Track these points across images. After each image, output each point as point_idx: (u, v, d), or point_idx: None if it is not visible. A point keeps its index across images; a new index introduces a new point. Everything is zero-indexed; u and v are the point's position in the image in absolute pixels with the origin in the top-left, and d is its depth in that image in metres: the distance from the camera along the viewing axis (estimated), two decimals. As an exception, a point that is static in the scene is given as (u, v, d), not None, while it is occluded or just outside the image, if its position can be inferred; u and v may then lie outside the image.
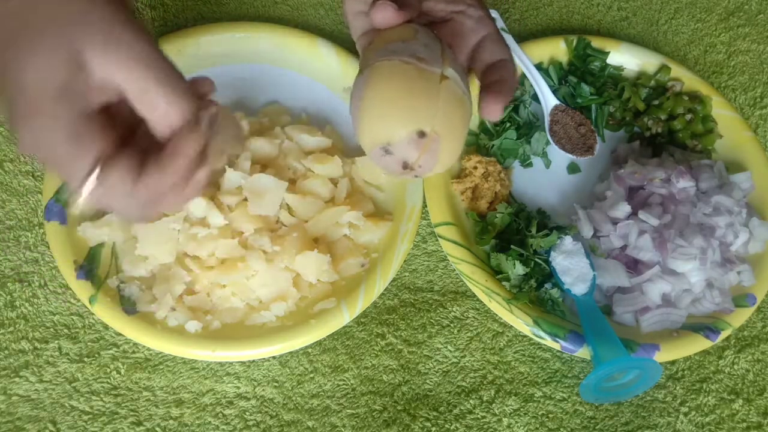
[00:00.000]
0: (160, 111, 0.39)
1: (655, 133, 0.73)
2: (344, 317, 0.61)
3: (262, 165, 0.66)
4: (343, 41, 0.78)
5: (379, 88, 0.43)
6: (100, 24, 0.37)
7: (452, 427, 0.61)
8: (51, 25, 0.37)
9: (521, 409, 0.62)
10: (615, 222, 0.66)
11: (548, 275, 0.64)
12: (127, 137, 0.40)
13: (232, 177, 0.63)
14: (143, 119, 0.40)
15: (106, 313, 0.59)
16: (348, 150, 0.71)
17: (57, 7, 0.37)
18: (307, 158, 0.67)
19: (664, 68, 0.76)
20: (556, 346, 0.61)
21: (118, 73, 0.37)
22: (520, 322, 0.62)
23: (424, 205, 0.67)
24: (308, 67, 0.74)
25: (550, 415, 0.62)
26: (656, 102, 0.74)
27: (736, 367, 0.66)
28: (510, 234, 0.66)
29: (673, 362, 0.65)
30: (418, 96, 0.42)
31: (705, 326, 0.63)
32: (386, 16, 0.46)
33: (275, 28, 0.74)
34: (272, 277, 0.61)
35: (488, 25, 0.50)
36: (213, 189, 0.64)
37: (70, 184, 0.40)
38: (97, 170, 0.39)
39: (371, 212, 0.67)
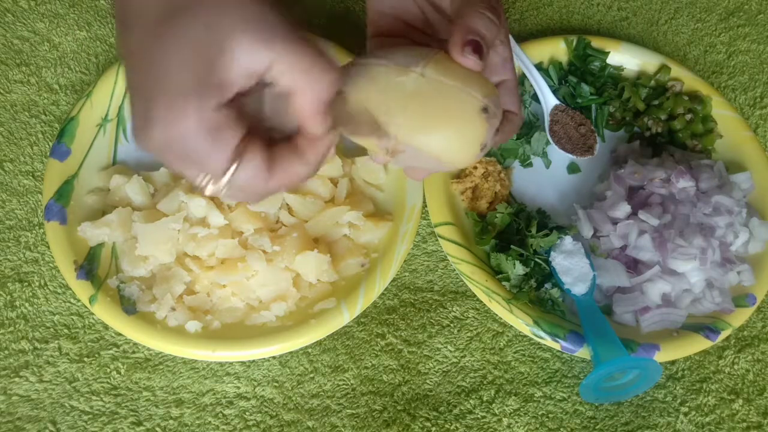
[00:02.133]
0: (309, 85, 0.38)
1: (655, 133, 0.73)
2: (344, 317, 0.60)
3: (262, 165, 0.66)
4: (343, 40, 0.78)
5: (432, 118, 0.42)
6: (244, 4, 0.37)
7: (452, 427, 0.61)
8: (205, 9, 0.37)
9: (521, 409, 0.62)
10: (615, 222, 0.66)
11: (548, 275, 0.64)
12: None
13: None
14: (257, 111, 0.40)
15: (106, 313, 0.59)
16: (348, 150, 0.71)
17: None
18: None
19: (664, 68, 0.76)
20: (556, 346, 0.61)
21: (267, 53, 0.37)
22: (520, 322, 0.62)
23: (424, 205, 0.67)
24: None
25: (550, 415, 0.62)
26: (656, 102, 0.73)
27: (736, 367, 0.65)
28: (510, 234, 0.66)
29: (673, 362, 0.65)
30: (445, 94, 0.42)
31: (705, 326, 0.63)
32: (476, 64, 0.44)
33: None
34: (272, 277, 0.61)
35: (510, 70, 0.50)
36: None
37: (201, 178, 0.39)
38: (235, 164, 0.38)
39: (371, 212, 0.67)
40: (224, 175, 0.39)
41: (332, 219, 0.64)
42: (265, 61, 0.37)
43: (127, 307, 0.60)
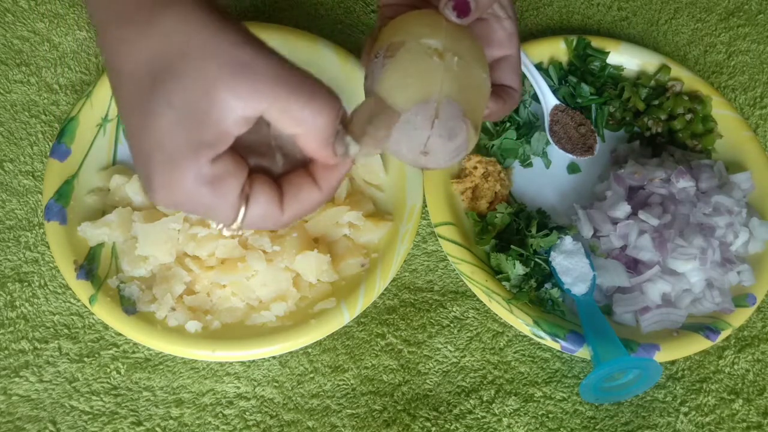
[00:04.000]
0: (308, 125, 0.38)
1: (655, 133, 0.73)
2: (344, 317, 0.60)
3: (263, 165, 0.66)
4: (343, 40, 0.78)
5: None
6: (227, 53, 0.36)
7: (452, 427, 0.61)
8: (186, 64, 0.36)
9: (521, 409, 0.62)
10: (615, 222, 0.66)
11: (548, 275, 0.64)
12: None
13: None
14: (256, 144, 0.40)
15: (105, 313, 0.59)
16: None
17: (188, 40, 0.36)
18: None
19: (664, 68, 0.76)
20: (556, 346, 0.61)
21: (258, 99, 0.36)
22: (520, 322, 0.62)
23: (424, 205, 0.67)
24: (309, 67, 0.74)
25: (550, 415, 0.62)
26: (656, 102, 0.73)
27: (736, 367, 0.66)
28: (510, 234, 0.66)
29: (673, 362, 0.65)
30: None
31: (705, 326, 0.63)
32: (465, 19, 0.46)
33: (277, 28, 0.74)
34: (272, 277, 0.61)
35: (515, 46, 0.51)
36: None
37: (217, 224, 0.40)
38: (243, 208, 0.39)
39: (371, 212, 0.67)
40: (234, 221, 0.39)
41: (332, 219, 0.64)
42: (258, 107, 0.36)
43: (127, 307, 0.60)
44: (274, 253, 0.61)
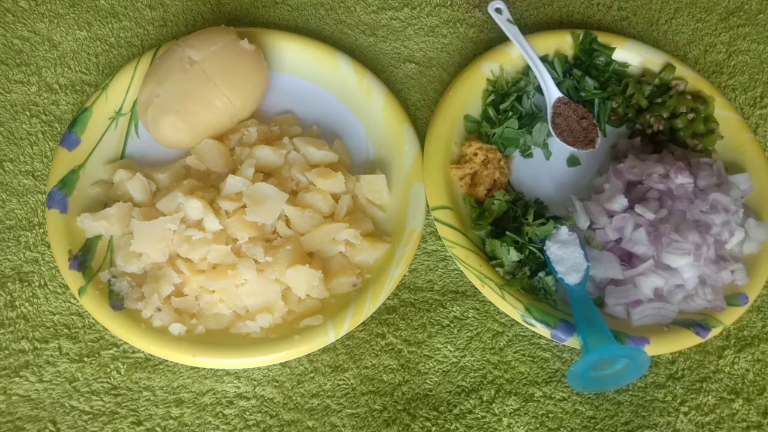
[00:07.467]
0: None
1: (656, 131, 0.73)
2: (329, 336, 0.60)
3: (266, 174, 0.66)
4: (344, 41, 0.78)
5: None
6: None
7: (452, 427, 0.61)
8: None
9: (521, 409, 0.62)
10: (611, 215, 0.66)
11: (542, 264, 0.64)
12: None
13: (233, 182, 0.63)
14: None
15: (93, 306, 0.59)
16: (355, 167, 0.71)
17: None
18: (311, 171, 0.66)
19: (668, 67, 0.76)
20: (546, 333, 0.61)
21: None
22: (512, 309, 0.62)
23: (425, 230, 0.67)
24: (325, 79, 0.74)
25: (550, 415, 0.62)
26: (659, 100, 0.73)
27: (736, 366, 0.65)
28: (506, 221, 0.66)
29: (673, 362, 0.65)
30: None
31: (695, 322, 0.63)
32: None
33: (296, 38, 0.74)
34: (261, 287, 0.61)
35: None
36: (213, 192, 0.64)
37: None
38: None
39: (370, 232, 0.66)
40: None
41: (329, 235, 0.64)
42: None
43: (115, 302, 0.60)
44: (265, 263, 0.61)
